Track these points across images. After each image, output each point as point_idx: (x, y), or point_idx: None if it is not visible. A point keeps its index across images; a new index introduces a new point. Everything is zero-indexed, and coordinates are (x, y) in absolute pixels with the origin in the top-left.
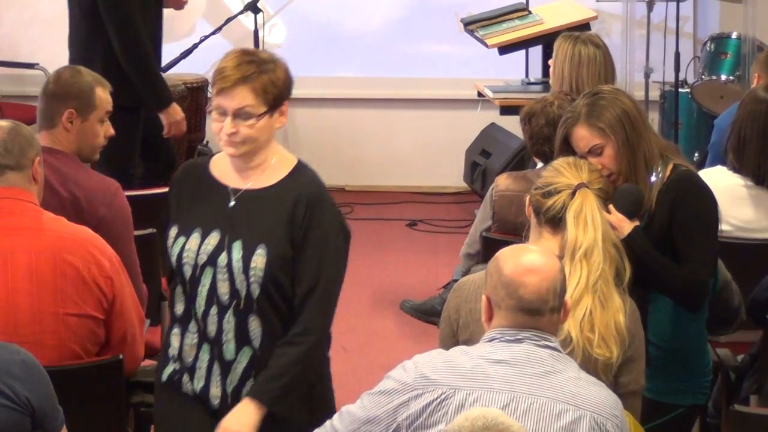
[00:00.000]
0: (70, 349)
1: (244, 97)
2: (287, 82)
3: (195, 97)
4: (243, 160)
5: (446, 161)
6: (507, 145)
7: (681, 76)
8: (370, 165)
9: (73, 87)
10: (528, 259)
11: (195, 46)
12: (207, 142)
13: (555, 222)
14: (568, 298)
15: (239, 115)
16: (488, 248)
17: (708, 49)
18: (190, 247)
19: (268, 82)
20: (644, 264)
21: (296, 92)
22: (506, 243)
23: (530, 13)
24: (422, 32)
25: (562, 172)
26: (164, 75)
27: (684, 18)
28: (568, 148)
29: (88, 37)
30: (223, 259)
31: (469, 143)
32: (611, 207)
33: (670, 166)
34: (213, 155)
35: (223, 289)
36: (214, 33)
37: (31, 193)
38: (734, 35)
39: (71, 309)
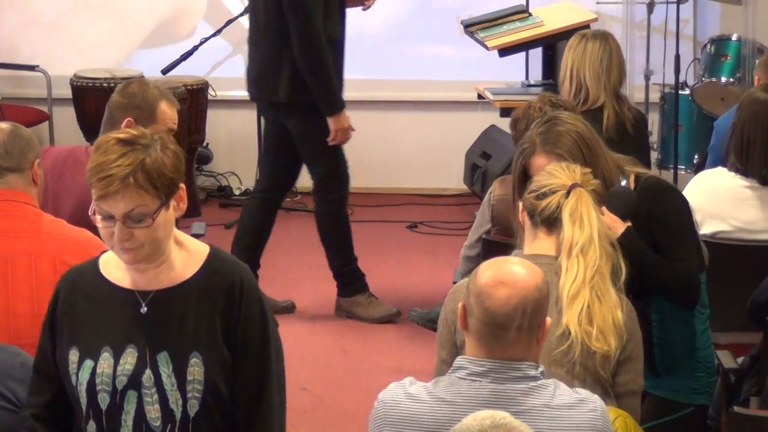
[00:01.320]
0: None
1: (131, 199)
2: (177, 162)
3: (195, 98)
4: (144, 262)
5: (446, 163)
6: (507, 147)
7: (681, 78)
8: (371, 167)
9: (136, 97)
10: (504, 271)
11: (195, 48)
12: (207, 144)
13: (550, 222)
14: (565, 293)
15: (130, 217)
16: (489, 251)
17: (708, 51)
18: (102, 370)
19: (156, 171)
20: (639, 263)
21: None
22: (507, 245)
23: (530, 15)
24: (422, 34)
25: (555, 175)
26: (163, 77)
27: (684, 20)
28: (527, 180)
29: (276, 39)
30: (148, 377)
31: (469, 145)
32: (603, 209)
33: (632, 178)
34: (99, 256)
35: (154, 413)
36: (214, 35)
37: (30, 195)
38: (734, 37)
39: None
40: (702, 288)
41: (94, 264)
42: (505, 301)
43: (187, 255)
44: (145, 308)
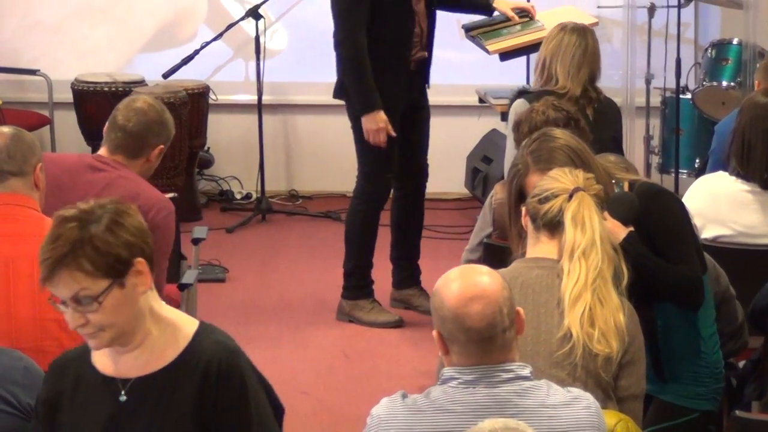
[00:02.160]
0: None
1: (68, 282)
2: (129, 237)
3: (196, 103)
4: (118, 345)
5: (447, 167)
6: None
7: (682, 83)
8: None
9: (168, 123)
10: (467, 287)
11: (196, 52)
12: (208, 148)
13: (552, 225)
14: (567, 296)
15: (77, 301)
16: (490, 255)
17: (709, 55)
18: None
19: (94, 250)
20: (641, 267)
21: (297, 98)
22: (508, 249)
23: (532, 19)
24: None
25: (558, 179)
26: (164, 82)
27: (685, 24)
28: (523, 201)
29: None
30: None
31: (471, 149)
32: (606, 214)
33: (626, 185)
34: None
35: None
36: (215, 39)
37: (32, 199)
38: (735, 41)
39: None
40: (707, 290)
41: (86, 348)
42: (482, 314)
43: (171, 334)
44: (125, 397)
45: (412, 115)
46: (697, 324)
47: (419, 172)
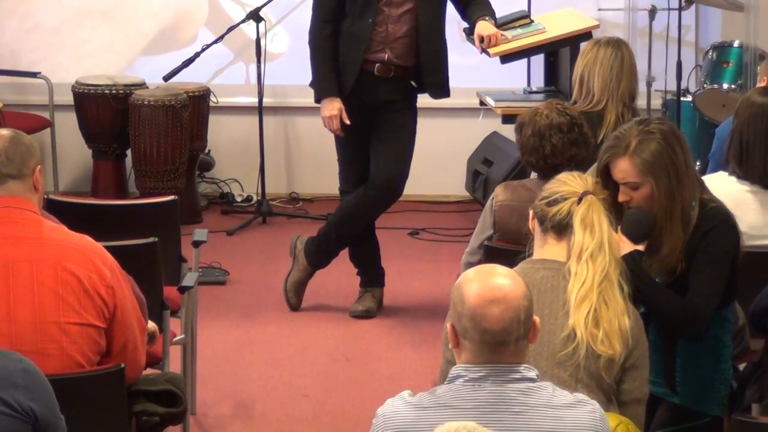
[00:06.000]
0: (71, 358)
1: None
2: None
3: (197, 105)
4: None
5: (448, 170)
6: (509, 154)
7: (683, 85)
8: None
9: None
10: (490, 288)
11: (197, 54)
12: (209, 150)
13: (560, 228)
14: (573, 297)
15: None
16: (491, 257)
17: (710, 57)
18: None
19: None
20: (637, 287)
21: (298, 101)
22: (509, 252)
23: (532, 21)
24: None
25: (567, 183)
26: (165, 84)
27: (686, 27)
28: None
29: None
30: None
31: (471, 152)
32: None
33: (697, 207)
34: None
35: None
36: (216, 42)
37: (32, 202)
38: (736, 44)
39: (73, 318)
40: (730, 311)
41: None
42: (500, 318)
43: None
44: None
45: (379, 120)
46: (719, 331)
47: (375, 181)
